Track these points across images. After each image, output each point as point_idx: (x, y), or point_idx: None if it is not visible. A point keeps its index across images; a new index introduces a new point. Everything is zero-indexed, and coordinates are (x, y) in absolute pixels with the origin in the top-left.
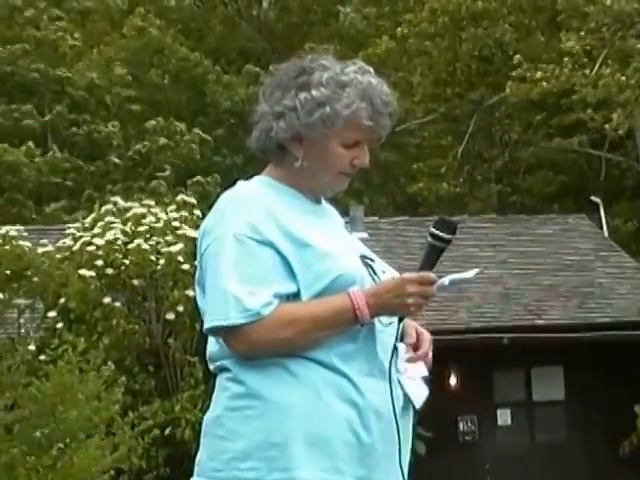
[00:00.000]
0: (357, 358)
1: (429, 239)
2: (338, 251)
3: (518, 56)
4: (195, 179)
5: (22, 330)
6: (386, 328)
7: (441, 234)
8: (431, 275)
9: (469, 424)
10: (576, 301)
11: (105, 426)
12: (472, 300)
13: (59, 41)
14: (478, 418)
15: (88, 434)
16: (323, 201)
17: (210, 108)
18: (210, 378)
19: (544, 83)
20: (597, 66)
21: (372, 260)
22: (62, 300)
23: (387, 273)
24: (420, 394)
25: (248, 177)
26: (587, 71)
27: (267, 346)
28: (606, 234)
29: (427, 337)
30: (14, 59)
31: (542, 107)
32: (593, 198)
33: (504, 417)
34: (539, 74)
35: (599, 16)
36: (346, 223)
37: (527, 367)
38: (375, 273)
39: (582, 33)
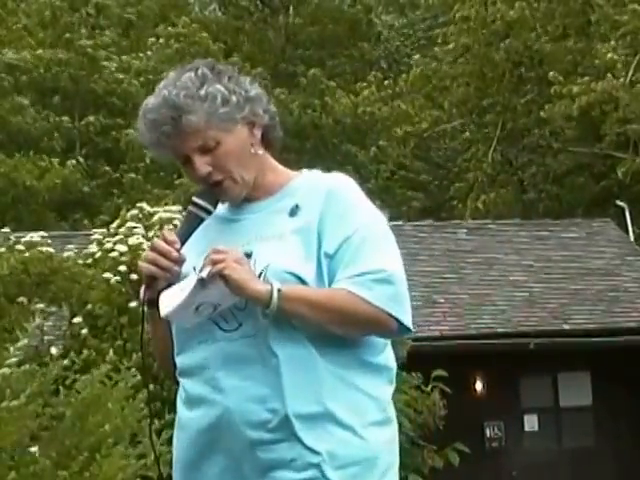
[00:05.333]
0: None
1: (190, 207)
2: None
3: (552, 73)
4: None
5: (45, 337)
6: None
7: (200, 202)
8: (165, 232)
9: (495, 430)
10: (602, 306)
11: (131, 433)
12: (497, 305)
13: (96, 49)
14: (505, 424)
15: (115, 442)
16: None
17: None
18: None
19: (583, 97)
20: (631, 72)
21: (250, 255)
22: (88, 306)
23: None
24: (173, 300)
25: None
26: (622, 79)
27: None
28: (632, 238)
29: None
30: (47, 65)
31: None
32: (618, 202)
33: (531, 423)
34: (576, 88)
35: (633, 22)
36: None
37: (554, 372)
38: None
39: (612, 42)
